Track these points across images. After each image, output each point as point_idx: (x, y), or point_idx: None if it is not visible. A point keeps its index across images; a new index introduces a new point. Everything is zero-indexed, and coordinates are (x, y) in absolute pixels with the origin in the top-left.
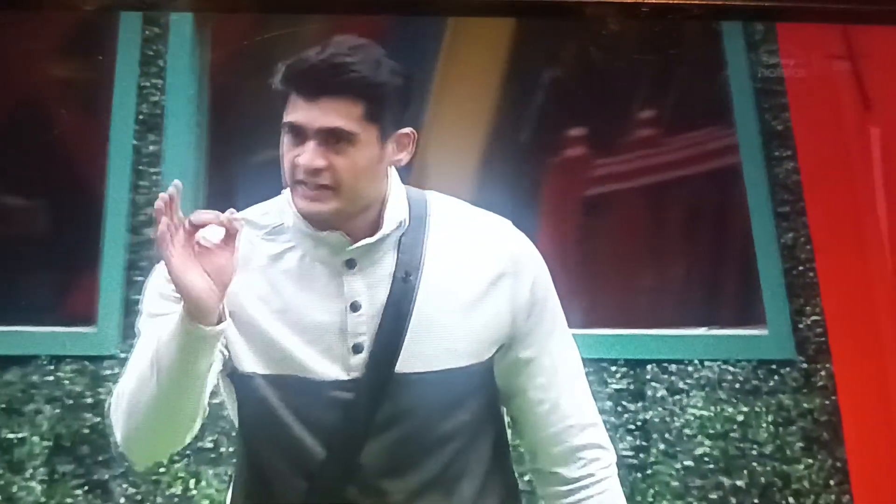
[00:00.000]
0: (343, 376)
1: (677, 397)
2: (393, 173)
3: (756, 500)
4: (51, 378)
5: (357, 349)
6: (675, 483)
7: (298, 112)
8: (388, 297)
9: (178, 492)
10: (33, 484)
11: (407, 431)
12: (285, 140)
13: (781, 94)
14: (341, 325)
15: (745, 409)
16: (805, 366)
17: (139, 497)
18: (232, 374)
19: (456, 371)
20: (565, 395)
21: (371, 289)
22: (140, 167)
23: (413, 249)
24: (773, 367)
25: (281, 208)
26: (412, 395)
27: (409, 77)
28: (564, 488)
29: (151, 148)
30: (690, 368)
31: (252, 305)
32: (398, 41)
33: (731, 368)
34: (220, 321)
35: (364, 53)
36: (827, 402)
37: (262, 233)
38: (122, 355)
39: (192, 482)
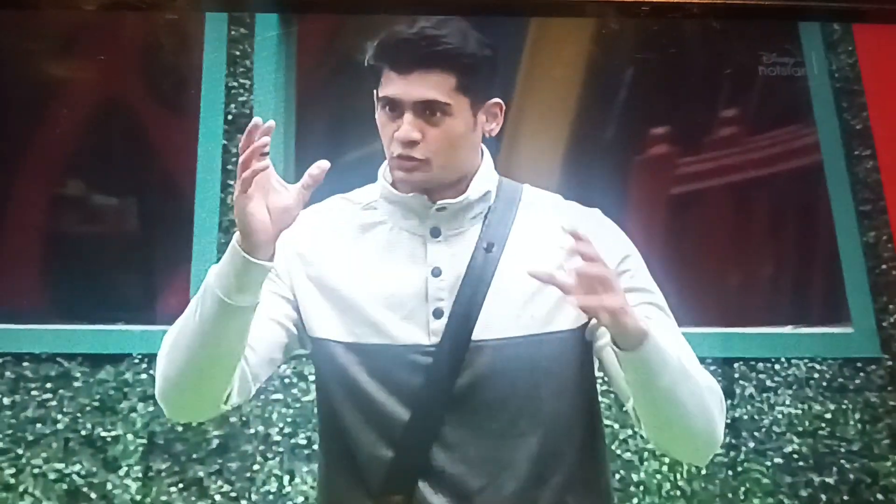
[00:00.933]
0: (424, 341)
1: (766, 395)
2: (486, 155)
3: (846, 497)
4: (144, 376)
5: (437, 314)
6: (765, 480)
7: (393, 86)
8: (468, 265)
9: (273, 489)
10: (128, 482)
11: (488, 397)
12: (381, 114)
13: (860, 93)
14: (423, 291)
15: (832, 406)
16: (890, 363)
17: (234, 494)
18: (309, 339)
19: (533, 338)
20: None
21: (453, 256)
22: (229, 167)
23: (499, 224)
24: (859, 364)
25: (376, 187)
26: (490, 360)
27: (496, 48)
28: None
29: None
30: (778, 366)
31: (338, 274)
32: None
33: (817, 366)
34: (270, 260)
35: (453, 26)
36: None
37: (358, 207)
38: None
39: (286, 479)
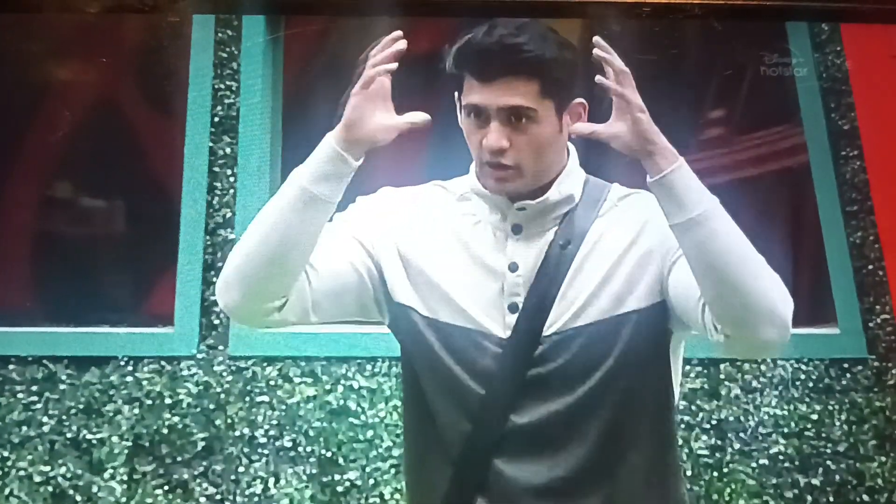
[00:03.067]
0: (499, 333)
1: (751, 396)
2: (573, 155)
3: (831, 498)
4: (129, 379)
5: (512, 308)
6: (750, 481)
7: (476, 94)
8: (542, 261)
9: (258, 491)
10: (114, 484)
11: (560, 383)
12: (467, 121)
13: (847, 93)
14: (500, 285)
15: (818, 407)
16: (876, 364)
17: (219, 496)
18: (385, 302)
19: (601, 322)
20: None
21: (530, 253)
22: (215, 169)
23: (578, 223)
24: (845, 365)
25: (468, 180)
26: (561, 350)
27: (575, 48)
28: None
29: (227, 150)
30: (763, 367)
31: (425, 254)
32: None
33: (803, 367)
34: (357, 161)
35: (532, 31)
36: None
37: (453, 197)
38: (200, 356)
39: (271, 481)
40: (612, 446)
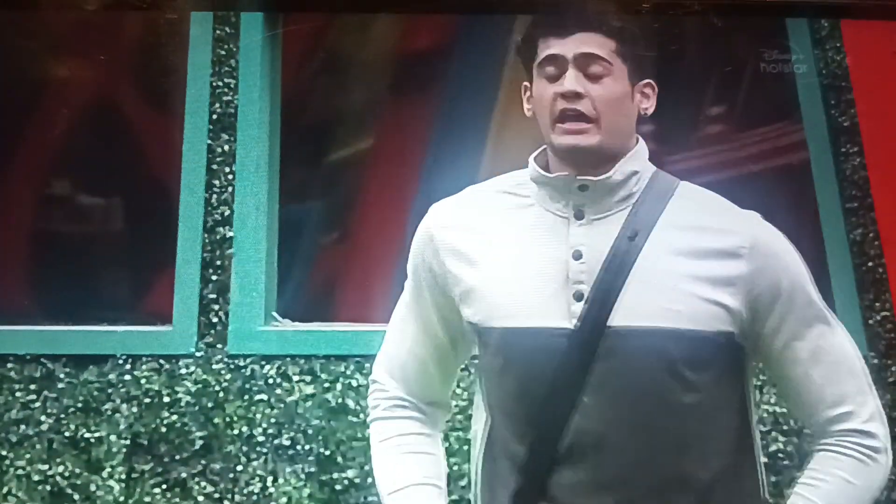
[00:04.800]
0: (565, 324)
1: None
2: (641, 142)
3: None
4: (128, 377)
5: (577, 297)
6: None
7: (553, 46)
8: (610, 251)
9: (257, 489)
10: (112, 483)
11: (624, 384)
12: (540, 82)
13: (847, 90)
14: (565, 273)
15: None
16: (876, 361)
17: (217, 495)
18: (469, 331)
19: (672, 332)
20: (828, 383)
21: (595, 240)
22: (214, 166)
23: (647, 213)
24: None
25: (524, 172)
26: (626, 347)
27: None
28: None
29: (225, 147)
30: (763, 364)
31: (481, 257)
32: (468, 38)
33: None
34: None
35: (607, 5)
36: None
37: (507, 187)
38: (199, 354)
39: (269, 480)
40: (679, 467)
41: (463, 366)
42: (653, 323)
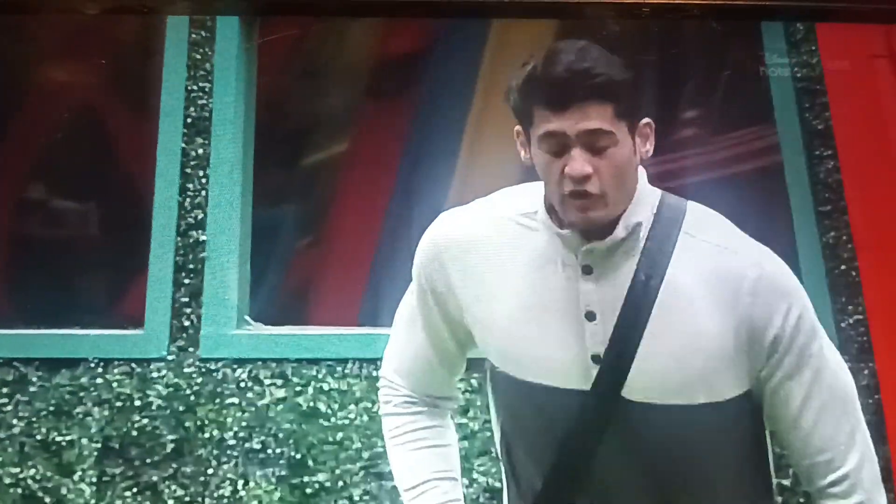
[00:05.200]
0: (584, 386)
1: None
2: (642, 178)
3: (801, 500)
4: (100, 380)
5: (596, 360)
6: None
7: (552, 123)
8: (624, 303)
9: (227, 493)
10: (83, 486)
11: (637, 459)
12: (541, 154)
13: (822, 93)
14: (581, 336)
15: None
16: (849, 365)
17: (188, 499)
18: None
19: (687, 408)
20: (818, 428)
21: (605, 297)
22: (188, 170)
23: (656, 258)
24: None
25: (536, 197)
26: (640, 423)
27: (633, 68)
28: None
29: (199, 151)
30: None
31: (490, 294)
32: (443, 43)
33: None
34: None
35: (595, 54)
36: (870, 402)
37: (517, 215)
38: (170, 357)
39: (240, 483)
40: None
41: None
42: (666, 400)
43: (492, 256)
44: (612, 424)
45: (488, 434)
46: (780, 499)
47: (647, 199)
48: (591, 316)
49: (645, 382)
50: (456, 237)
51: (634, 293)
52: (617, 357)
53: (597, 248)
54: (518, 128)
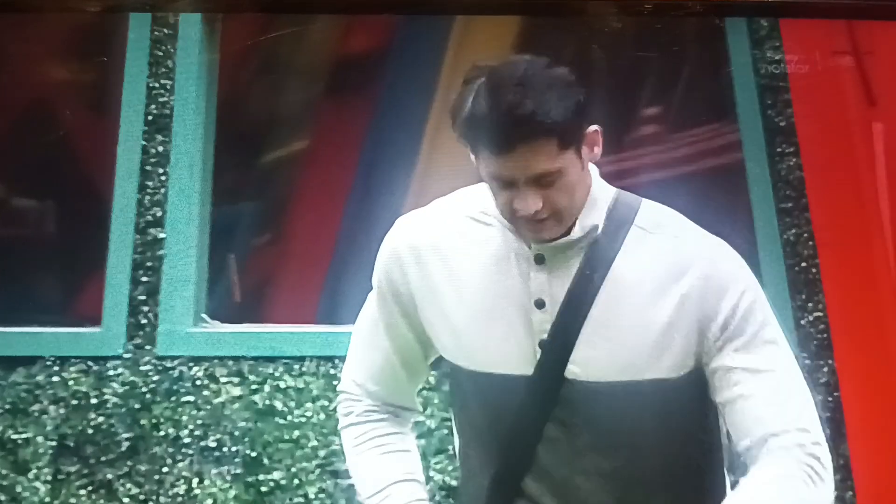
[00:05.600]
0: (528, 373)
1: None
2: (595, 177)
3: None
4: (56, 379)
5: (542, 345)
6: None
7: (496, 166)
8: (566, 295)
9: (182, 491)
10: (38, 484)
11: (584, 438)
12: (492, 183)
13: (785, 90)
14: (528, 323)
15: None
16: (808, 362)
17: (143, 497)
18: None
19: (632, 385)
20: (764, 403)
21: (555, 287)
22: (147, 167)
23: (605, 250)
24: None
25: (487, 202)
26: (585, 401)
27: (576, 80)
28: None
29: (160, 148)
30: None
31: (447, 293)
32: (404, 40)
33: None
34: None
35: (536, 87)
36: (829, 399)
37: (474, 211)
38: (127, 356)
39: (195, 481)
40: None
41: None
42: (610, 377)
43: (449, 255)
44: (557, 406)
45: (445, 432)
46: None
47: (601, 198)
48: (540, 304)
49: (589, 363)
50: (414, 240)
51: (579, 282)
52: (560, 340)
53: (552, 246)
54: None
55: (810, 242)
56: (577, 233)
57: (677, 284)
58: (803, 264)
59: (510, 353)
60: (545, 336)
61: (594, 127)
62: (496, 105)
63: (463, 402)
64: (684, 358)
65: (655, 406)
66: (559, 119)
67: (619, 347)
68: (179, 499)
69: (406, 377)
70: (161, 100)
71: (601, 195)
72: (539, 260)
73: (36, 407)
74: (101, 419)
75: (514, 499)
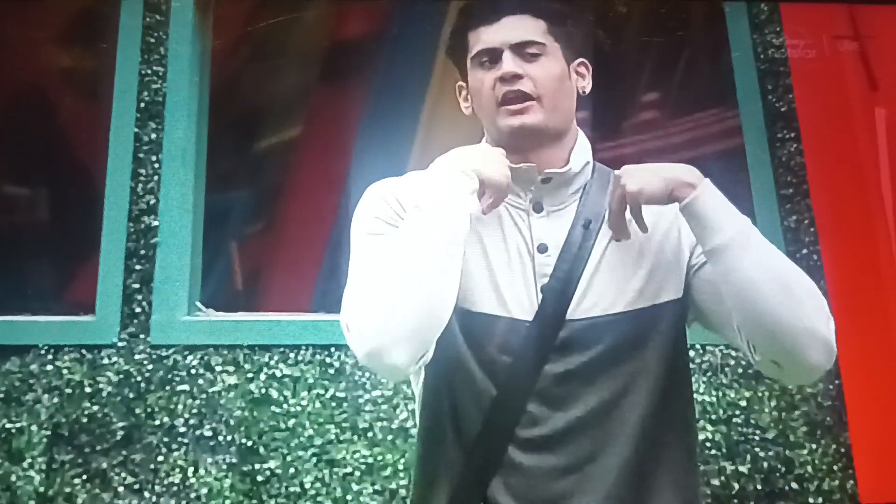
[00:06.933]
0: (530, 316)
1: None
2: (580, 132)
3: (759, 486)
4: (50, 367)
5: (544, 290)
6: None
7: (485, 37)
8: (565, 240)
9: (177, 480)
10: (32, 473)
11: (591, 372)
12: (477, 74)
13: (786, 75)
14: (531, 266)
15: (747, 394)
16: None
17: (137, 486)
18: None
19: (640, 312)
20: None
21: (557, 232)
22: (140, 155)
23: (596, 200)
24: None
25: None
26: (593, 336)
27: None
28: None
29: (152, 136)
30: (692, 353)
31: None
32: (399, 26)
33: (733, 353)
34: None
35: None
36: (830, 387)
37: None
38: (121, 344)
39: (190, 471)
40: (639, 451)
41: None
42: (619, 308)
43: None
44: (557, 351)
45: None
46: (736, 484)
47: (588, 147)
48: (543, 248)
49: (594, 300)
50: (399, 187)
51: (576, 228)
52: (563, 281)
53: (554, 174)
54: (459, 83)
55: (811, 229)
56: (575, 165)
57: (666, 222)
58: (804, 251)
59: (513, 297)
60: (546, 279)
61: (584, 60)
62: None
63: (460, 352)
64: (680, 280)
65: (658, 328)
66: (549, 4)
67: (625, 282)
68: (174, 488)
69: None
70: (154, 87)
71: (588, 145)
72: (538, 209)
73: (30, 396)
74: (95, 408)
75: (509, 448)
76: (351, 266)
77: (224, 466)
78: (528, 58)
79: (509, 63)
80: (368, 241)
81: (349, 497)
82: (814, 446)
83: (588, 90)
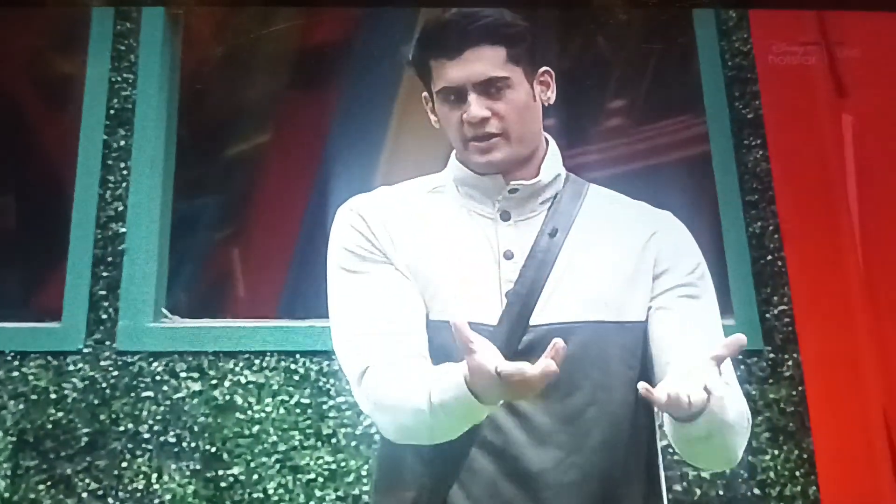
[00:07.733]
0: (494, 321)
1: None
2: (552, 142)
3: (721, 492)
4: (15, 374)
5: (508, 296)
6: None
7: (448, 73)
8: (531, 248)
9: (141, 486)
10: None
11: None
12: (443, 107)
13: (753, 81)
14: (497, 273)
15: None
16: (772, 355)
17: (101, 492)
18: None
19: (603, 325)
20: (687, 351)
21: (523, 239)
22: (109, 162)
23: (565, 212)
24: (740, 356)
25: (445, 174)
26: (547, 341)
27: (529, 21)
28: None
29: (121, 143)
30: None
31: (419, 253)
32: (369, 35)
33: None
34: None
35: (488, 9)
36: (794, 393)
37: (425, 191)
38: (87, 350)
39: (154, 477)
40: (601, 464)
41: None
42: (581, 318)
43: (404, 221)
44: (521, 356)
45: None
46: (698, 490)
47: (559, 159)
48: (509, 255)
49: (556, 307)
50: (371, 203)
51: (544, 234)
52: (527, 288)
53: (522, 185)
54: (425, 94)
55: (776, 235)
56: (545, 177)
57: (635, 238)
58: (769, 257)
59: (481, 302)
60: (511, 285)
61: (548, 68)
62: (445, 14)
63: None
64: (635, 304)
65: (624, 345)
66: (507, 23)
67: (590, 292)
68: (138, 494)
69: (414, 302)
70: (123, 94)
71: (559, 158)
72: (505, 217)
73: None
74: (60, 414)
75: (468, 454)
76: (330, 302)
77: (188, 472)
78: (492, 94)
79: (476, 107)
80: (343, 278)
81: (312, 503)
82: (776, 452)
83: (553, 100)
